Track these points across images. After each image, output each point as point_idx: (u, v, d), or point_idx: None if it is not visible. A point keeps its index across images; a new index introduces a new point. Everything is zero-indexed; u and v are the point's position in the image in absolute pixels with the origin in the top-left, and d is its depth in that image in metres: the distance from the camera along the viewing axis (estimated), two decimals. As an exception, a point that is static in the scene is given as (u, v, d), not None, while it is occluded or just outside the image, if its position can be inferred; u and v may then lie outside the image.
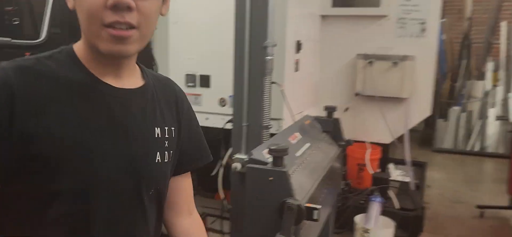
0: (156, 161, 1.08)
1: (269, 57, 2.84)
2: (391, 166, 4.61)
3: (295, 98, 3.66)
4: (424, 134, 8.60)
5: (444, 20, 7.51)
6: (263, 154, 1.63)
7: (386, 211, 3.41)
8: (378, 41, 4.03)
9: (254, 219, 1.59)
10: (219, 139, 3.34)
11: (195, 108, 3.51)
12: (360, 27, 4.10)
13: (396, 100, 3.97)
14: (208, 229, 3.37)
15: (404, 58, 3.89)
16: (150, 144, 1.08)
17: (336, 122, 2.68)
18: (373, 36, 4.05)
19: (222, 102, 3.52)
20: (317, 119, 2.68)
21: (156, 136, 1.09)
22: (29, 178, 0.92)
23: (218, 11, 3.24)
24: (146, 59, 2.51)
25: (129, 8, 0.92)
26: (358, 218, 3.31)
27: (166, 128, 1.13)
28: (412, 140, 4.13)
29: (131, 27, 0.94)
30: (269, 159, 1.59)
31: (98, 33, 0.94)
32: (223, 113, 3.48)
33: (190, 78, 3.58)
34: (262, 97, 2.85)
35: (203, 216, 3.25)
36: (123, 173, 1.01)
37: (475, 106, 8.17)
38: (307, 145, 2.22)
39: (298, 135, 2.22)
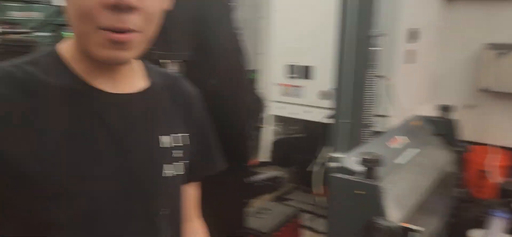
0: (163, 175, 0.91)
1: (374, 48, 2.57)
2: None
3: (406, 93, 3.31)
4: None
5: None
6: (353, 161, 1.43)
7: (512, 230, 2.91)
8: (513, 29, 3.43)
9: (337, 235, 1.41)
10: (317, 134, 3.15)
11: (294, 100, 3.43)
12: (493, 11, 3.52)
13: (533, 98, 3.35)
14: (302, 226, 3.23)
15: (546, 48, 3.25)
16: (155, 156, 0.91)
17: (452, 123, 2.31)
18: (509, 23, 3.45)
19: (325, 95, 3.32)
20: (429, 119, 2.34)
21: (162, 146, 0.92)
22: (17, 210, 0.79)
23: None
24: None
25: (131, 9, 0.76)
26: (473, 234, 2.88)
27: (174, 135, 0.95)
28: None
29: (131, 30, 0.78)
30: (359, 168, 1.39)
31: (90, 35, 0.77)
32: (325, 107, 3.28)
33: (291, 69, 3.44)
34: (364, 92, 2.60)
35: (298, 212, 3.11)
36: (124, 194, 0.84)
37: None
38: (413, 150, 1.93)
39: (400, 139, 1.95)
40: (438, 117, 2.34)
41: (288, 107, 3.54)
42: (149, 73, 0.98)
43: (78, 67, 0.84)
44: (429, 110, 3.77)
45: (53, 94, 0.81)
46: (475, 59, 3.58)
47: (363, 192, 1.34)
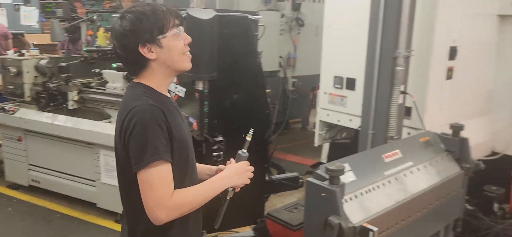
0: None
1: (399, 68, 2.81)
2: None
3: (448, 108, 3.43)
4: None
5: None
6: (330, 168, 1.78)
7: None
8: None
9: (309, 231, 1.79)
10: (349, 141, 3.44)
11: (339, 108, 3.74)
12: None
13: None
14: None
15: None
16: None
17: (463, 142, 2.48)
18: None
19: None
20: (441, 136, 2.54)
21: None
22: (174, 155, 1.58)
23: (365, 17, 3.31)
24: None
25: None
26: (501, 250, 2.97)
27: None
28: None
29: None
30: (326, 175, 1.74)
31: (183, 59, 1.66)
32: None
33: (338, 80, 3.76)
34: (389, 107, 2.86)
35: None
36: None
37: None
38: (406, 164, 2.20)
39: (399, 153, 2.22)
40: (448, 135, 2.52)
41: (335, 114, 3.87)
42: None
43: (162, 90, 1.69)
44: (484, 123, 3.82)
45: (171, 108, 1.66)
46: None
47: (324, 195, 1.71)
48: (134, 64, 1.64)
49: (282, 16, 6.43)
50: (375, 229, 1.70)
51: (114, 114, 4.20)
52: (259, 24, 2.84)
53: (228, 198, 1.74)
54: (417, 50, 3.01)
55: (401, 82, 2.84)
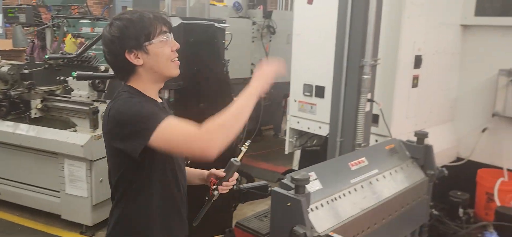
0: None
1: (366, 76, 2.85)
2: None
3: (414, 115, 3.50)
4: None
5: None
6: (295, 177, 1.76)
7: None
8: (529, 56, 3.49)
9: (275, 238, 1.77)
10: (319, 148, 3.45)
11: (309, 116, 3.75)
12: (507, 39, 3.59)
13: (545, 126, 3.39)
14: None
15: (562, 77, 3.28)
16: None
17: (427, 149, 2.53)
18: (522, 50, 3.52)
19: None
20: (406, 144, 2.58)
21: None
22: None
23: (333, 26, 3.34)
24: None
25: None
26: (465, 254, 3.03)
27: None
28: None
29: None
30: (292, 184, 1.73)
31: (170, 66, 1.67)
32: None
33: (307, 88, 3.78)
34: (357, 115, 2.89)
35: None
36: None
37: None
38: (372, 171, 2.22)
39: (365, 160, 2.23)
40: (413, 143, 2.56)
41: (305, 122, 3.88)
42: None
43: (150, 94, 1.68)
44: (448, 130, 3.91)
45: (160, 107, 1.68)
46: (492, 84, 3.67)
47: (290, 204, 1.69)
48: (122, 70, 1.66)
49: (254, 23, 6.43)
50: (339, 237, 1.70)
51: (79, 122, 4.09)
52: (226, 32, 2.82)
53: (213, 198, 1.77)
54: (384, 59, 3.06)
55: (368, 90, 2.87)
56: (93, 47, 4.61)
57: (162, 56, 1.63)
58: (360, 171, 2.18)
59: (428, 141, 2.57)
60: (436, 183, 2.65)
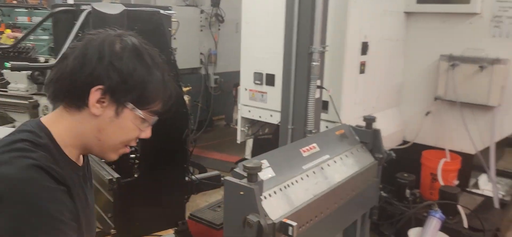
0: None
1: (315, 63, 2.87)
2: (483, 178, 4.18)
3: (363, 101, 3.58)
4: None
5: None
6: (247, 166, 1.73)
7: (450, 229, 3.17)
8: (467, 41, 3.66)
9: (229, 231, 1.74)
10: (271, 136, 3.46)
11: (260, 104, 3.73)
12: (447, 25, 3.75)
13: (482, 107, 3.58)
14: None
15: (495, 61, 3.47)
16: None
17: (376, 133, 2.58)
18: (461, 36, 3.69)
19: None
20: (355, 129, 2.62)
21: None
22: None
23: (282, 14, 3.33)
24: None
25: None
26: (412, 232, 3.16)
27: None
28: None
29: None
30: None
31: (118, 150, 1.23)
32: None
33: (258, 76, 3.76)
34: (307, 102, 2.91)
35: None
36: None
37: None
38: (323, 157, 2.23)
39: (316, 147, 2.25)
40: (362, 127, 2.61)
41: (256, 110, 3.87)
42: None
43: (70, 154, 1.16)
44: (395, 114, 4.04)
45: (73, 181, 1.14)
46: (434, 69, 3.82)
47: (243, 193, 1.67)
48: (68, 95, 1.13)
49: (202, 12, 6.33)
50: (294, 224, 1.69)
51: (18, 117, 3.85)
52: (173, 19, 2.73)
53: None
54: (332, 45, 3.09)
55: (317, 77, 2.89)
56: (32, 37, 4.35)
57: (126, 134, 1.18)
58: (311, 157, 2.19)
59: (376, 125, 2.63)
60: (385, 166, 2.72)
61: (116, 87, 1.10)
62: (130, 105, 1.13)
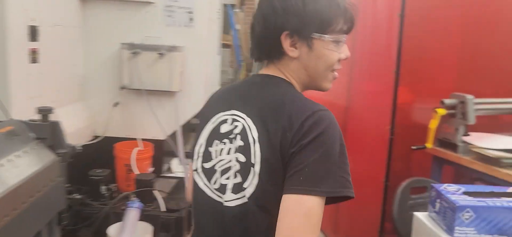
0: None
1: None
2: (174, 162, 4.40)
3: (40, 95, 3.08)
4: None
5: (237, 10, 7.68)
6: None
7: (149, 216, 3.13)
8: (145, 30, 3.71)
9: None
10: None
11: None
12: (126, 14, 3.70)
13: (166, 94, 3.72)
14: None
15: (171, 48, 3.64)
16: None
17: (55, 126, 2.22)
18: (139, 25, 3.71)
19: None
20: (28, 123, 2.17)
21: None
22: None
23: None
24: None
25: None
26: (111, 229, 2.95)
27: None
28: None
29: None
30: None
31: (327, 77, 1.39)
32: None
33: None
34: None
35: None
36: None
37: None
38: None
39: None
40: (37, 121, 2.20)
41: None
42: None
43: None
44: (81, 108, 3.69)
45: None
46: (116, 58, 3.70)
47: None
48: (268, 51, 1.37)
49: None
50: None
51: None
52: None
53: None
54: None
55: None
56: None
57: (325, 61, 1.35)
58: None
59: (61, 122, 2.26)
60: (73, 164, 2.39)
61: (297, 26, 1.29)
62: (316, 35, 1.30)
